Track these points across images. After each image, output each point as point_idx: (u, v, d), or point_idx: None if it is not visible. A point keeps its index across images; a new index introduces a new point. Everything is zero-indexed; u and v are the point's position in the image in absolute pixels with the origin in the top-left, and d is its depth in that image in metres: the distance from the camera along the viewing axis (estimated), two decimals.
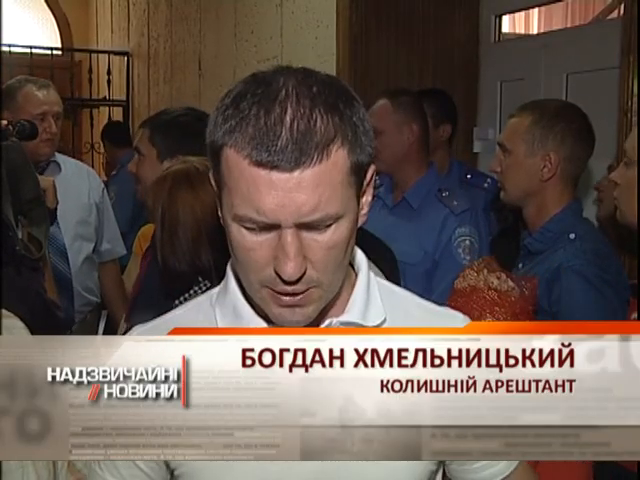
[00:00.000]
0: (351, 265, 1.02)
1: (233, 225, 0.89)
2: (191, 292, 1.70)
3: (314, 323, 0.96)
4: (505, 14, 3.22)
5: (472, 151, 3.18)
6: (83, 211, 2.79)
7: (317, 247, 0.87)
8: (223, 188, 0.89)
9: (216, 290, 1.05)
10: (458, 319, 1.03)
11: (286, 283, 0.87)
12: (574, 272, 1.80)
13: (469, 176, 2.83)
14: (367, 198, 0.94)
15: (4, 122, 2.03)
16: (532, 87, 2.79)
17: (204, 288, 1.69)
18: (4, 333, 1.05)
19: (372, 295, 1.00)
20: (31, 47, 5.79)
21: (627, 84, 2.09)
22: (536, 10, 3.75)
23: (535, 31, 3.96)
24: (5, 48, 5.35)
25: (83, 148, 6.22)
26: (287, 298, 0.89)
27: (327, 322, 0.96)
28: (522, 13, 3.68)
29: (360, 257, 1.03)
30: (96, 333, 2.83)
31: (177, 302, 1.68)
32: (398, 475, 0.97)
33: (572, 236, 1.89)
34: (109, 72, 6.07)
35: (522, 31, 3.91)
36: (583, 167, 2.00)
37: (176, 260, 1.69)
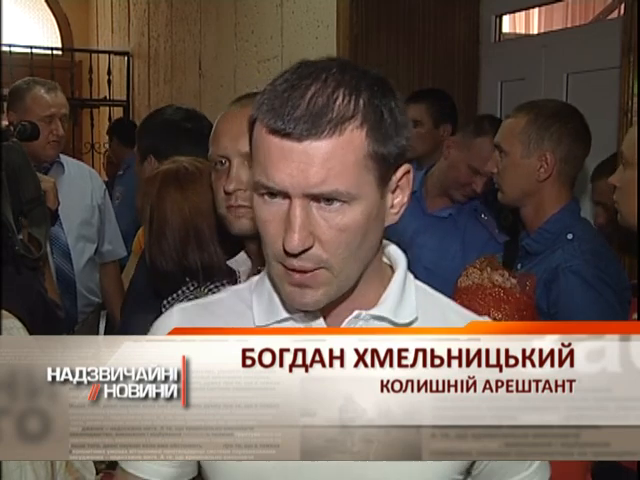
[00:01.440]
0: (389, 263, 1.03)
1: (254, 197, 0.92)
2: (179, 292, 1.70)
3: (342, 314, 0.97)
4: (505, 14, 3.22)
5: None
6: (86, 212, 2.81)
7: (326, 226, 0.88)
8: (253, 162, 0.92)
9: (257, 277, 1.06)
10: None
11: (291, 256, 0.88)
12: (572, 273, 1.80)
13: None
14: (401, 199, 0.95)
15: (5, 123, 2.03)
16: (532, 87, 2.79)
17: (192, 288, 1.69)
18: (2, 333, 1.05)
19: (407, 293, 1.00)
20: (31, 47, 5.79)
21: (627, 84, 2.09)
22: (536, 10, 3.75)
23: (535, 31, 3.96)
24: (5, 48, 5.35)
25: (83, 148, 6.22)
26: (296, 275, 0.89)
27: (356, 313, 0.96)
28: (522, 13, 3.68)
29: (399, 255, 1.03)
30: (97, 333, 2.84)
31: (165, 302, 1.68)
32: None
33: (570, 236, 1.88)
34: (109, 72, 6.06)
35: (522, 31, 3.91)
36: (580, 167, 2.00)
37: (163, 260, 1.69)
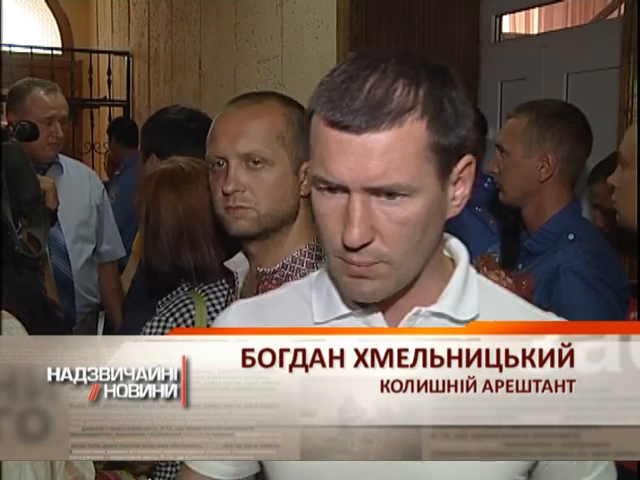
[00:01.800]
0: (450, 257, 1.01)
1: (313, 191, 0.91)
2: (173, 293, 1.70)
3: (401, 310, 0.95)
4: (505, 14, 3.21)
5: None
6: (84, 213, 2.80)
7: (387, 220, 0.86)
8: (311, 156, 0.91)
9: (316, 273, 1.05)
10: None
11: (350, 250, 0.87)
12: (573, 273, 1.80)
13: None
14: (463, 191, 0.93)
15: (4, 123, 2.03)
16: (532, 87, 2.79)
17: (186, 289, 1.69)
18: (2, 333, 1.05)
19: (468, 289, 0.98)
20: (31, 47, 5.79)
21: (627, 84, 2.09)
22: (536, 10, 3.75)
23: (535, 31, 3.96)
24: (5, 48, 5.35)
25: (83, 148, 6.22)
26: (355, 267, 0.88)
27: (415, 310, 0.94)
28: (522, 13, 3.67)
29: (460, 249, 1.01)
30: (95, 334, 2.83)
31: (159, 302, 1.68)
32: None
33: (571, 237, 1.88)
34: (109, 72, 6.06)
35: (522, 31, 3.91)
36: (581, 167, 2.00)
37: (158, 260, 1.69)
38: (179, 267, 1.67)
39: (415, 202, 0.86)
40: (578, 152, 1.95)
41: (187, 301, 1.62)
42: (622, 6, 2.60)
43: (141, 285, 2.05)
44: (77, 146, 6.04)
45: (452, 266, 1.00)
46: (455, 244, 1.02)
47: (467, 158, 0.91)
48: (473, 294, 0.98)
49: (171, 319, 1.58)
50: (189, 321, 1.59)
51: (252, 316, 1.04)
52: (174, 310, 1.60)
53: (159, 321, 1.59)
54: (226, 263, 1.50)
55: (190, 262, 1.67)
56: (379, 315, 0.96)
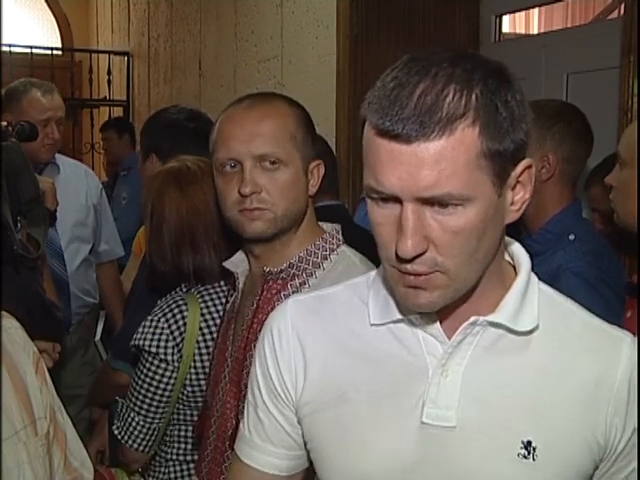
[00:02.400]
0: (513, 264, 0.99)
1: (367, 201, 0.89)
2: (172, 292, 1.70)
3: (459, 318, 0.93)
4: (505, 14, 3.21)
5: None
6: (80, 213, 2.78)
7: (441, 229, 0.84)
8: (364, 164, 0.90)
9: (374, 272, 1.04)
10: (625, 342, 0.96)
11: (404, 261, 0.85)
12: (574, 273, 1.79)
13: None
14: (523, 195, 0.90)
15: (4, 123, 2.03)
16: (532, 87, 2.78)
17: (184, 290, 1.69)
18: (2, 333, 1.05)
19: (529, 299, 0.95)
20: (31, 47, 5.78)
21: (627, 84, 2.08)
22: (536, 10, 3.74)
23: (535, 31, 3.96)
24: (5, 48, 5.35)
25: (83, 148, 6.21)
26: (411, 278, 0.86)
27: (472, 319, 0.92)
28: (522, 13, 3.67)
29: (522, 255, 0.98)
30: (94, 334, 2.82)
31: (159, 302, 1.68)
32: None
33: (572, 237, 1.88)
34: (109, 72, 6.06)
35: (522, 31, 3.91)
36: (582, 167, 1.99)
37: (160, 258, 1.69)
38: (178, 267, 1.68)
39: (469, 211, 0.84)
40: (579, 152, 1.94)
41: (180, 302, 1.62)
42: (622, 6, 2.60)
43: (143, 285, 2.06)
44: (77, 146, 6.04)
45: (514, 273, 0.98)
46: (517, 250, 0.99)
47: (526, 162, 0.88)
48: (533, 304, 0.95)
49: (163, 319, 1.59)
50: (180, 322, 1.59)
51: (309, 311, 1.04)
52: (167, 311, 1.61)
53: (151, 321, 1.60)
54: (225, 263, 1.50)
55: (190, 263, 1.67)
56: (437, 324, 0.94)
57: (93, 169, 5.83)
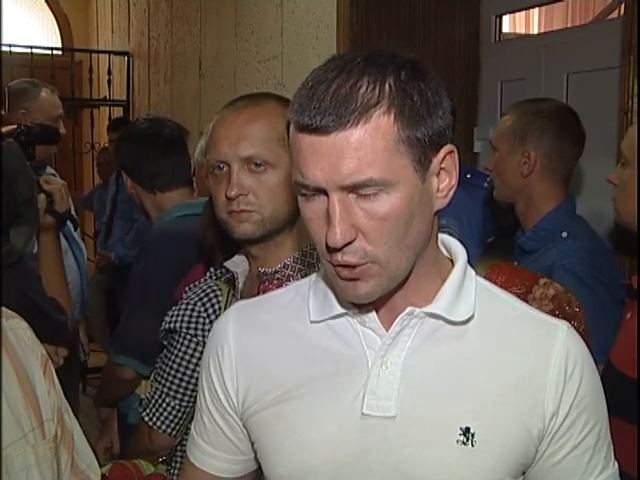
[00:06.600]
0: (450, 257, 1.01)
1: (298, 198, 0.92)
2: (201, 280, 1.71)
3: (396, 310, 0.95)
4: (505, 14, 3.21)
5: (472, 151, 3.18)
6: None
7: (367, 217, 0.86)
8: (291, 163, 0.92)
9: (316, 273, 1.06)
10: (560, 329, 0.98)
11: (334, 251, 0.87)
12: (566, 270, 1.81)
13: (469, 175, 2.82)
14: (447, 182, 0.92)
15: (13, 127, 2.03)
16: (532, 87, 2.79)
17: (214, 278, 1.69)
18: (9, 334, 1.05)
19: (465, 290, 0.97)
20: (31, 47, 5.78)
21: (627, 84, 2.09)
22: (536, 10, 3.75)
23: (535, 31, 3.96)
24: (5, 48, 5.35)
25: (83, 148, 6.22)
26: (345, 271, 0.89)
27: (409, 310, 0.94)
28: (522, 13, 3.67)
29: (458, 249, 1.01)
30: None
31: (187, 289, 1.69)
32: None
33: (565, 234, 1.90)
34: (109, 72, 6.06)
35: (522, 31, 3.91)
36: (569, 165, 2.02)
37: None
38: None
39: (393, 196, 0.86)
40: (562, 149, 1.97)
41: (215, 287, 1.63)
42: (622, 6, 2.60)
43: (142, 279, 2.08)
44: (77, 146, 6.03)
45: (451, 266, 1.00)
46: (454, 244, 1.02)
47: (447, 147, 0.91)
48: (470, 294, 0.98)
49: (199, 303, 1.58)
50: (216, 305, 1.60)
51: (250, 316, 1.06)
52: (202, 295, 1.60)
53: (187, 304, 1.59)
54: (226, 263, 1.51)
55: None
56: (373, 315, 0.96)
57: (93, 169, 5.87)
